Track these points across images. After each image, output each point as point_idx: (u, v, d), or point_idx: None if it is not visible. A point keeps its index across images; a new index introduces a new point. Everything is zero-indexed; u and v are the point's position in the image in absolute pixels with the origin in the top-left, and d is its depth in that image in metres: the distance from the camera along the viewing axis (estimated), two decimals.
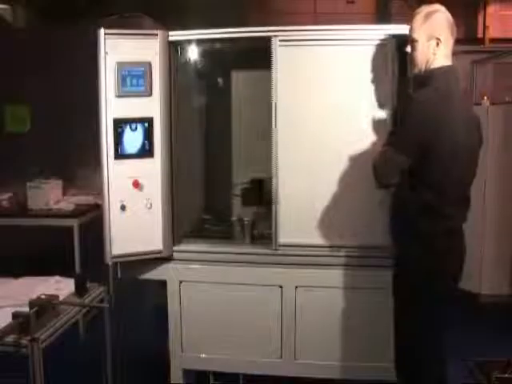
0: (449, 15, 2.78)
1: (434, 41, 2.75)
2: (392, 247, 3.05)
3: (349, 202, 3.42)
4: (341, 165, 3.38)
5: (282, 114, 3.42)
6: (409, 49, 2.87)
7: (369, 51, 3.34)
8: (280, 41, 3.38)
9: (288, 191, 3.45)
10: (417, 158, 2.66)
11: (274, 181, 3.46)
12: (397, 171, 2.72)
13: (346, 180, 3.40)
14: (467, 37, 10.22)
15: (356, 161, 3.36)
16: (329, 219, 3.43)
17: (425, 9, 2.80)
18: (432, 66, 2.78)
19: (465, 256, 2.87)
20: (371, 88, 3.36)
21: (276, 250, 3.51)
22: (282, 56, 3.39)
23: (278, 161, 3.44)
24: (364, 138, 3.36)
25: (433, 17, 2.76)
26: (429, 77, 2.76)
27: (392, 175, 2.74)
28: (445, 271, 2.77)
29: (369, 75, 3.36)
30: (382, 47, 3.32)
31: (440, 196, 2.70)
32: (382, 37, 3.32)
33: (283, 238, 3.49)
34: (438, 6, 2.81)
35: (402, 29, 3.20)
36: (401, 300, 2.90)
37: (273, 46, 3.38)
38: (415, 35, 2.80)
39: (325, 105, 3.40)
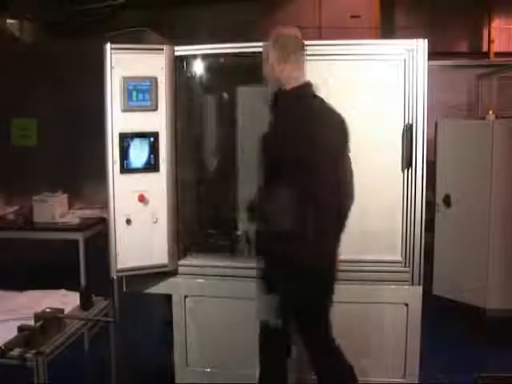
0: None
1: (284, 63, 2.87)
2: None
3: (366, 216, 3.43)
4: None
5: None
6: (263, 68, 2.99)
7: (384, 65, 3.38)
8: None
9: None
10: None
11: None
12: None
13: (366, 193, 3.41)
14: (472, 50, 10.25)
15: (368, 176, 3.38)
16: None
17: (274, 32, 2.94)
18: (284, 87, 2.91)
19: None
20: (386, 102, 3.38)
21: None
22: None
23: None
24: (378, 152, 3.38)
25: (281, 40, 2.90)
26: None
27: None
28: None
29: (383, 89, 3.38)
30: (398, 61, 3.37)
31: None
32: (402, 51, 3.36)
33: None
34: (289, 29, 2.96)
35: (414, 43, 3.32)
36: None
37: None
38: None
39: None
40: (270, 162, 2.81)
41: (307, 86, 2.92)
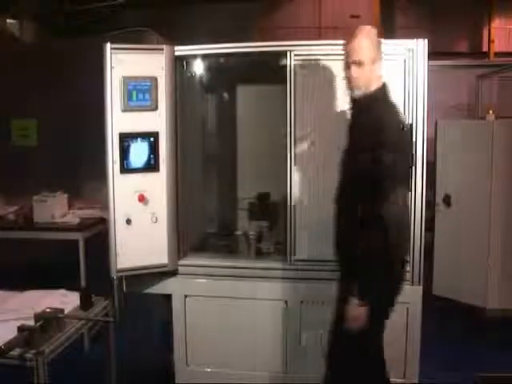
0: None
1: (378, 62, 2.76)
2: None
3: None
4: None
5: (297, 129, 3.44)
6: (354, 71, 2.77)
7: (384, 65, 3.37)
8: (295, 55, 3.41)
9: (300, 207, 3.47)
10: None
11: (288, 195, 3.47)
12: None
13: None
14: (472, 50, 10.26)
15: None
16: None
17: (364, 31, 2.78)
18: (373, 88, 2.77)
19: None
20: None
21: (291, 264, 3.52)
22: (297, 70, 3.42)
23: (291, 175, 3.45)
24: None
25: (374, 39, 2.78)
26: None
27: None
28: None
29: None
30: (398, 61, 3.37)
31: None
32: (403, 51, 3.36)
33: (298, 253, 3.51)
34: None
35: (414, 43, 3.33)
36: None
37: (289, 61, 3.41)
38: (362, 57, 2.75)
39: (340, 118, 3.39)
40: (385, 164, 2.57)
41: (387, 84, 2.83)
